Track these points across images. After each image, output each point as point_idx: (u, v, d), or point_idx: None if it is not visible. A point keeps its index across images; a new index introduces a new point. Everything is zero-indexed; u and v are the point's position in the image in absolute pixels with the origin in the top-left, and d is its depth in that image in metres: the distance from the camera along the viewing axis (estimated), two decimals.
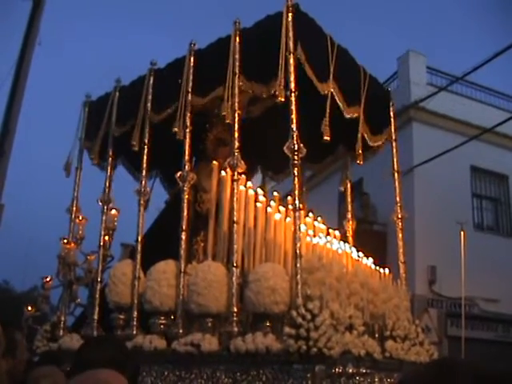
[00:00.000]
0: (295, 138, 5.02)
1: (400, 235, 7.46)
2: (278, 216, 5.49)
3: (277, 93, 5.18)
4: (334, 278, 4.94)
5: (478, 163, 14.12)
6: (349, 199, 8.15)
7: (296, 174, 4.97)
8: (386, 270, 6.91)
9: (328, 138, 5.40)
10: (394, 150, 7.56)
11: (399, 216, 7.44)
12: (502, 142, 14.22)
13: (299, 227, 4.76)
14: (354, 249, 6.68)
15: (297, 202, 4.84)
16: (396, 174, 7.58)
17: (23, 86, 9.01)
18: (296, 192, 4.87)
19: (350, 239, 7.74)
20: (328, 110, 5.51)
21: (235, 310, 5.00)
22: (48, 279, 10.90)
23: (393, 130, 7.48)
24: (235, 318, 4.97)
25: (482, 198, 14.53)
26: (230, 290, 5.09)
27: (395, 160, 7.59)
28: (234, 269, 5.10)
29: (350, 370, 4.46)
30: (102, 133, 7.37)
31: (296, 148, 4.97)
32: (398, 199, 7.54)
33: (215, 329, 5.22)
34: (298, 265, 4.63)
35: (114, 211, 7.46)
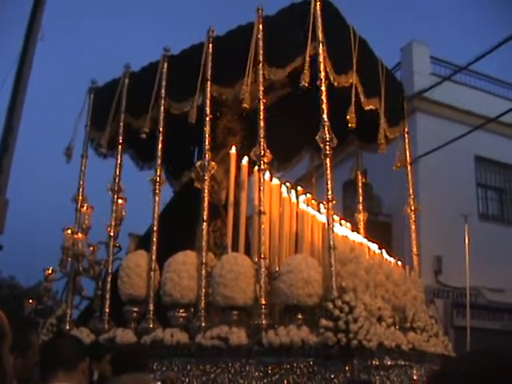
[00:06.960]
0: (326, 128, 4.89)
1: (413, 227, 7.40)
2: (304, 206, 5.37)
3: (303, 79, 5.07)
4: (363, 269, 4.85)
5: (482, 153, 14.01)
6: (360, 190, 8.09)
7: (328, 164, 4.83)
8: (399, 262, 6.88)
9: (354, 125, 5.30)
10: (407, 141, 7.53)
11: (412, 208, 7.39)
12: (507, 131, 14.10)
13: (332, 218, 4.65)
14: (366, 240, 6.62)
15: (329, 192, 4.72)
16: (409, 166, 7.56)
17: (26, 82, 8.72)
18: (329, 182, 4.75)
19: (362, 231, 7.68)
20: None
21: (264, 302, 4.86)
22: (49, 271, 10.69)
23: (406, 122, 7.47)
24: (264, 311, 4.84)
25: (487, 188, 14.44)
26: (258, 282, 4.94)
27: (407, 152, 7.54)
28: (262, 260, 4.94)
29: (389, 363, 4.37)
30: (111, 120, 7.13)
31: (328, 138, 4.84)
32: (410, 191, 7.49)
33: (241, 321, 5.08)
34: (332, 256, 4.52)
35: (120, 201, 7.28)
